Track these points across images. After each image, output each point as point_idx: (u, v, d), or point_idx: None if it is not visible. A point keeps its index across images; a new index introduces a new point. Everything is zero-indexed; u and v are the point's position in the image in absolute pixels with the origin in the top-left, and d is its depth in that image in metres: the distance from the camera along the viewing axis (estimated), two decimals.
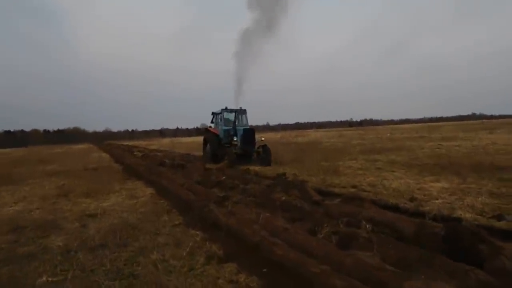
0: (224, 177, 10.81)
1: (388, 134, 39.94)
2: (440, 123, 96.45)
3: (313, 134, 52.30)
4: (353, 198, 6.69)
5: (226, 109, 17.92)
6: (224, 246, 4.99)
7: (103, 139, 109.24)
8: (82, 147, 56.26)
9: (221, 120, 17.90)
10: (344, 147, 22.74)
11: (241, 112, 18.13)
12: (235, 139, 16.25)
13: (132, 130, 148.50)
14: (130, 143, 64.74)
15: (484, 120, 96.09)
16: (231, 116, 18.03)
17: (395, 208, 6.57)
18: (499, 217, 5.44)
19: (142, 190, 9.95)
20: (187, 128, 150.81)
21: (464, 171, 10.08)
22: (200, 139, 22.56)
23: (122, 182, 11.74)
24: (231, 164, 14.35)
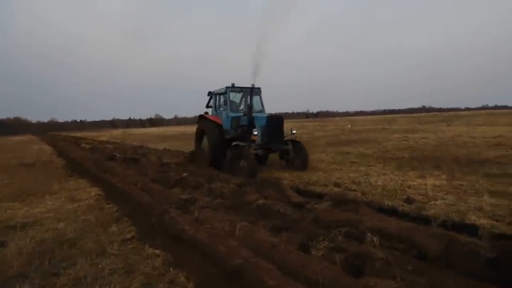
0: (185, 174, 9.51)
1: (349, 126, 40.11)
2: (394, 115, 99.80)
3: None
4: (343, 200, 5.70)
5: (233, 87, 11.80)
6: (194, 274, 3.78)
7: (48, 130, 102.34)
8: (22, 139, 51.78)
9: (225, 103, 11.92)
10: (310, 139, 22.05)
11: (254, 91, 11.87)
12: (255, 132, 10.30)
13: (81, 121, 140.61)
14: (78, 134, 60.67)
15: (435, 113, 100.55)
16: (239, 98, 12.66)
17: (393, 211, 5.69)
18: None
19: (87, 191, 8.41)
20: (141, 119, 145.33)
21: (444, 166, 9.53)
22: (154, 131, 19.30)
23: (63, 181, 10.06)
24: (252, 171, 9.26)
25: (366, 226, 4.44)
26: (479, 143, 15.11)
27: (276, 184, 7.24)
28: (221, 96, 12.32)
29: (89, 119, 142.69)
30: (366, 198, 6.41)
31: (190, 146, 21.32)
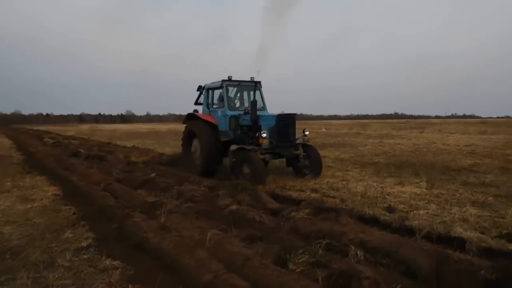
0: (153, 174, 8.98)
1: (324, 129, 40.29)
2: (368, 120, 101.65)
3: None
4: (323, 208, 5.38)
5: (230, 81, 10.11)
6: None
7: (10, 123, 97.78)
8: None
9: (221, 99, 10.22)
10: None
11: (254, 86, 10.05)
12: (264, 134, 8.74)
13: (47, 114, 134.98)
14: (43, 128, 58.13)
15: (408, 120, 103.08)
16: (238, 93, 10.82)
17: (374, 221, 5.41)
18: (509, 237, 4.47)
19: (43, 190, 7.74)
20: (111, 115, 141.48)
21: (422, 173, 9.42)
22: (125, 127, 17.50)
23: (18, 178, 9.29)
24: (260, 179, 8.08)
25: (348, 238, 4.11)
26: (453, 151, 15.29)
27: (251, 188, 6.84)
28: (216, 91, 10.58)
29: (56, 113, 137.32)
30: (346, 205, 6.12)
31: (162, 144, 20.75)
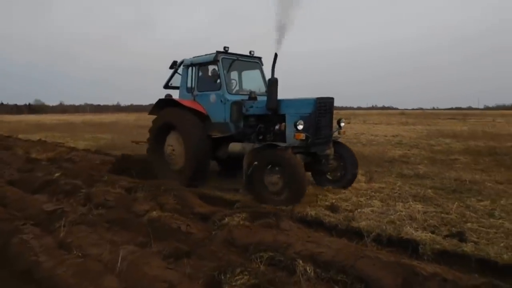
0: (58, 174, 7.68)
1: None
2: None
3: None
4: (260, 212, 4.78)
5: (227, 53, 7.68)
6: None
7: None
8: None
9: (215, 79, 7.68)
10: None
11: (256, 63, 8.41)
12: (300, 126, 6.16)
13: None
14: None
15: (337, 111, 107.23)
16: (232, 72, 8.18)
17: (319, 224, 4.94)
18: (460, 236, 4.24)
19: None
20: (17, 105, 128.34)
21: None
22: (32, 119, 14.29)
23: None
24: (300, 194, 5.83)
25: (295, 251, 3.52)
26: (382, 141, 15.72)
27: (175, 188, 6.01)
28: (205, 68, 8.03)
29: None
30: (285, 205, 5.56)
31: (75, 138, 18.75)
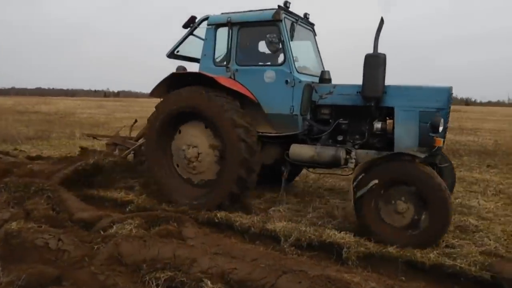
0: None
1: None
2: None
3: (61, 103, 44.46)
4: (158, 216, 4.01)
5: (288, 11, 5.35)
6: None
7: None
8: None
9: (273, 49, 5.01)
10: (107, 121, 19.47)
11: (307, 30, 6.08)
12: (440, 127, 4.22)
13: None
14: None
15: None
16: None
17: (229, 227, 4.33)
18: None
19: None
20: None
21: None
22: None
23: None
24: (443, 231, 3.91)
25: (202, 269, 2.83)
26: None
27: (50, 189, 4.86)
28: (254, 32, 5.61)
29: None
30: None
31: None
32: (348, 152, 4.67)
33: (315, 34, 6.19)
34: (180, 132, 5.18)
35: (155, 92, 5.41)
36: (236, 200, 4.80)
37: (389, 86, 4.73)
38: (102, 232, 3.68)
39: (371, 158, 4.28)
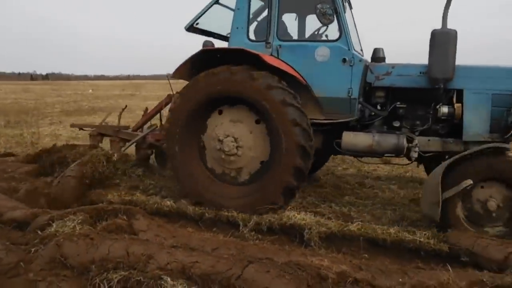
0: None
1: (90, 91, 36.62)
2: (140, 81, 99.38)
3: None
4: (105, 209, 3.68)
5: None
6: None
7: None
8: None
9: (325, 21, 4.39)
10: (37, 106, 18.11)
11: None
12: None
13: None
14: None
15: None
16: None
17: (182, 216, 4.11)
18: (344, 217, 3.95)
19: None
20: None
21: None
22: None
23: None
24: None
25: (160, 265, 2.59)
26: None
27: None
28: (299, 2, 5.06)
29: None
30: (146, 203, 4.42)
31: None
32: (409, 140, 4.23)
33: (351, 7, 5.36)
34: (213, 121, 4.50)
35: (179, 73, 4.56)
36: (293, 195, 4.23)
37: (458, 66, 4.19)
38: (39, 232, 3.28)
39: (461, 154, 3.70)
